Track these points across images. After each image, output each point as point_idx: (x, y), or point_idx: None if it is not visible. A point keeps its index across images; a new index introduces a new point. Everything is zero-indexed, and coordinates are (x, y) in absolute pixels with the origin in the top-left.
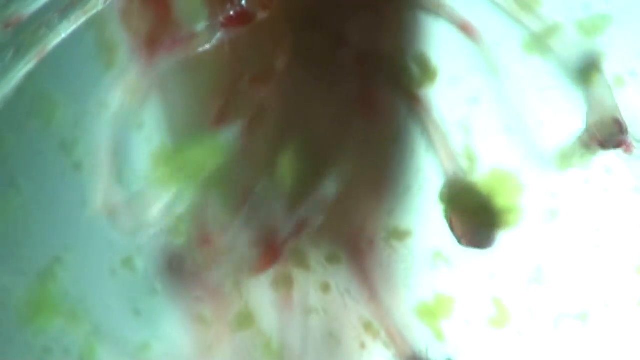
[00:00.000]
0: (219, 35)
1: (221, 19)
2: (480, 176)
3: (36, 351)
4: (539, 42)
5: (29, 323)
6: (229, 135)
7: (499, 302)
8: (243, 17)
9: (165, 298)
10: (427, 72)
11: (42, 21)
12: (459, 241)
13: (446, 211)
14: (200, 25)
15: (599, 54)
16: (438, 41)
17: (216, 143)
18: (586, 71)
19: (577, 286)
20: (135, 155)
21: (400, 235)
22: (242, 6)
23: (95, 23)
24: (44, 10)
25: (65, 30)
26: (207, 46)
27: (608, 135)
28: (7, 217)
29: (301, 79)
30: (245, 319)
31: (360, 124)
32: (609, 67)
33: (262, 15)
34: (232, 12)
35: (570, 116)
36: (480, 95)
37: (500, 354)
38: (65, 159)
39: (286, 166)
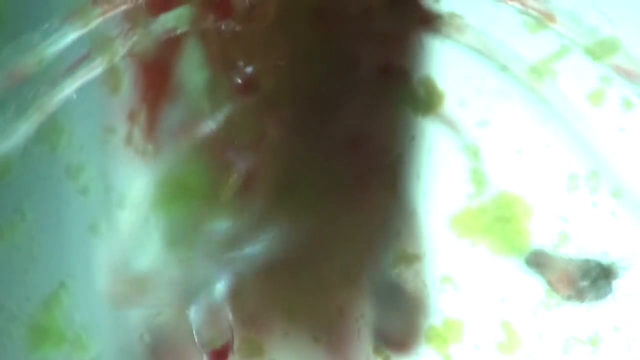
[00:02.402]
0: (228, 105)
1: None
2: (489, 199)
3: None
4: (548, 65)
5: (34, 349)
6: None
7: (509, 326)
8: (249, 86)
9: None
10: (434, 96)
11: (47, 77)
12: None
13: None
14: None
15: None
16: (444, 64)
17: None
18: (595, 94)
19: (587, 310)
20: (137, 180)
21: (408, 259)
22: (246, 74)
23: (95, 36)
24: (49, 67)
25: (70, 87)
26: (219, 117)
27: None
28: (13, 242)
29: (294, 151)
30: None
31: (354, 198)
32: (617, 90)
33: (268, 85)
34: (239, 81)
35: (578, 139)
36: (489, 118)
37: None
38: (70, 184)
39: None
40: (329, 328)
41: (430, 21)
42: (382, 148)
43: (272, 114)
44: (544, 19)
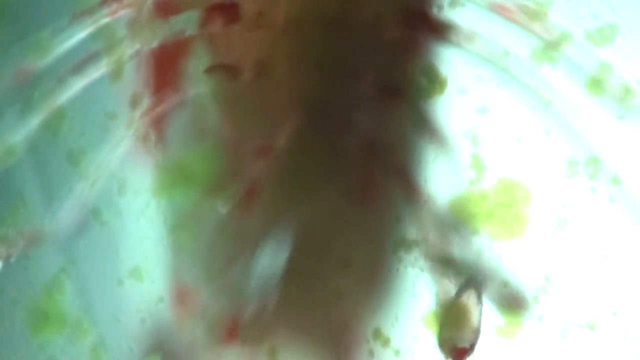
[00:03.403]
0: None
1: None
2: (489, 185)
3: None
4: (548, 52)
5: (35, 334)
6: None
7: None
8: (228, 69)
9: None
10: (436, 83)
11: (54, 74)
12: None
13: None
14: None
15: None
16: (445, 52)
17: (216, 159)
18: (594, 81)
19: (586, 295)
20: (139, 166)
21: (407, 244)
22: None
23: (103, 35)
24: (57, 65)
25: (77, 84)
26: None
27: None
28: (14, 227)
29: (303, 160)
30: None
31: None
32: (618, 76)
33: (249, 75)
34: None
35: (578, 125)
36: (489, 105)
37: None
38: (72, 169)
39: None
40: (335, 342)
41: (440, 30)
42: (391, 150)
43: (279, 119)
44: (543, 6)
